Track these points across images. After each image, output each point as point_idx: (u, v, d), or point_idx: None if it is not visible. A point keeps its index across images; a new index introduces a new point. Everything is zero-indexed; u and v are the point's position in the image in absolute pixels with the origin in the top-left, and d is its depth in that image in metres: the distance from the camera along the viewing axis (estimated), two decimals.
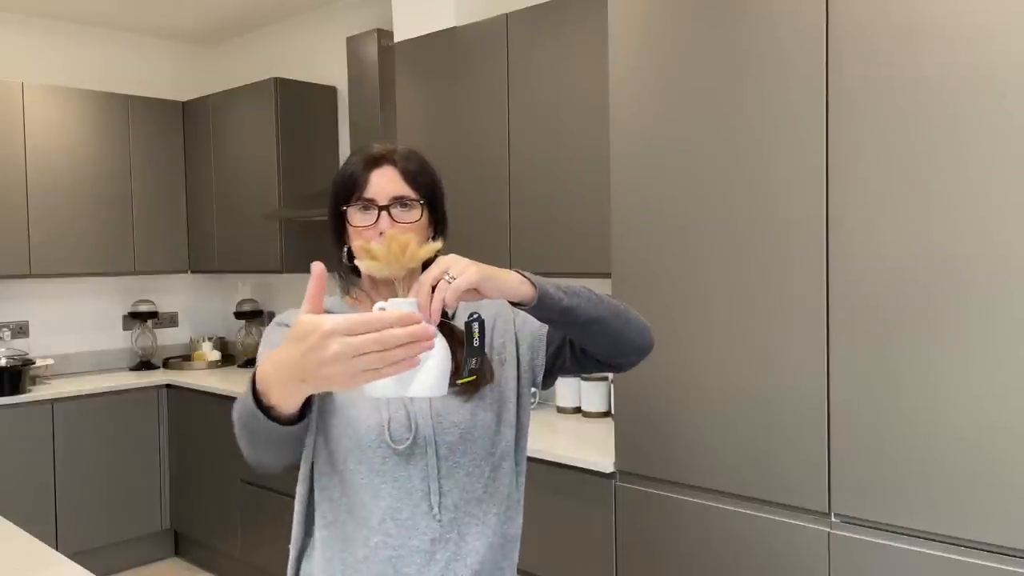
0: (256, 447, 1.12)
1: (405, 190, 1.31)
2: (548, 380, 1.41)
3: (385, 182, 1.31)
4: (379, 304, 1.01)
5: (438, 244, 1.16)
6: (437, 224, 1.38)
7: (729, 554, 2.07)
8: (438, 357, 1.02)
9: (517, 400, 1.36)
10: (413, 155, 1.35)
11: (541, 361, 1.38)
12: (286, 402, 1.00)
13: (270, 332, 1.34)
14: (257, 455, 1.15)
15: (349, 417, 1.26)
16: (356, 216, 1.30)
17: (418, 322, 0.89)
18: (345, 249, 1.35)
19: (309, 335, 0.88)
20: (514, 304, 1.15)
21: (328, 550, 1.29)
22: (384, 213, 1.29)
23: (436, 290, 1.03)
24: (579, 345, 1.33)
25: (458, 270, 1.05)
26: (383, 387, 0.98)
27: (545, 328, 1.37)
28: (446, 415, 1.29)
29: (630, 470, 2.29)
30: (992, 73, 1.64)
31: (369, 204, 1.30)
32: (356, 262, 1.18)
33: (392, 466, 1.26)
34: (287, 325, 1.30)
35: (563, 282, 1.21)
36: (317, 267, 0.98)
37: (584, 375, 3.12)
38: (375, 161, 1.32)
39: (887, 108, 1.78)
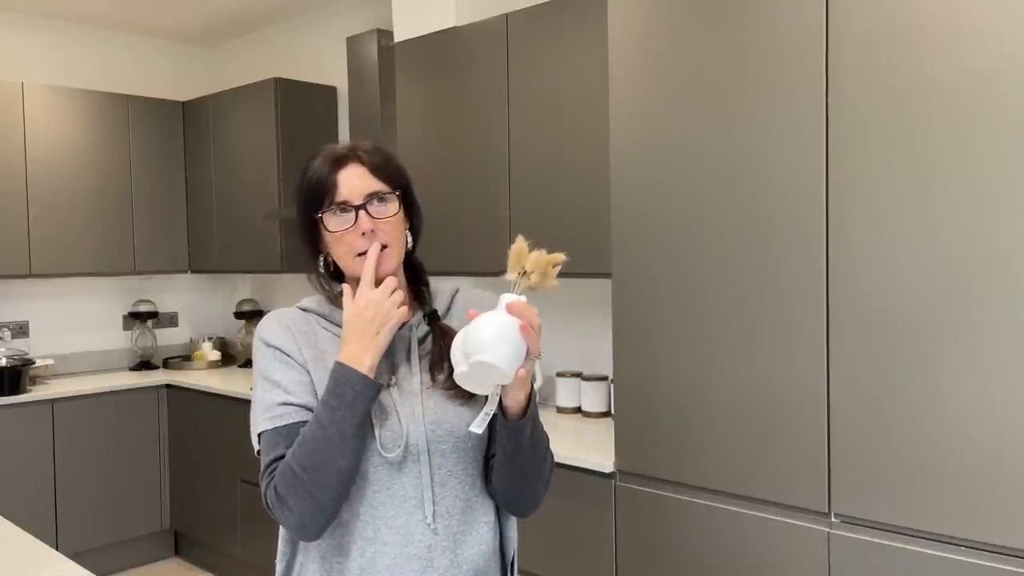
0: (331, 484, 1.18)
1: (377, 185, 1.27)
2: None
3: (356, 180, 1.27)
4: (504, 296, 1.21)
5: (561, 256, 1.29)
6: (412, 215, 1.35)
7: (729, 554, 2.07)
8: (514, 339, 1.16)
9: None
10: (377, 148, 1.31)
11: None
12: (374, 360, 1.21)
13: (259, 355, 1.30)
14: (324, 506, 1.19)
15: None
16: (333, 221, 1.26)
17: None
18: (321, 259, 1.32)
19: (367, 309, 1.21)
20: (502, 402, 1.24)
21: (324, 562, 1.27)
22: (362, 212, 1.25)
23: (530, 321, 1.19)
24: (493, 460, 1.33)
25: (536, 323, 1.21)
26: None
27: None
28: (440, 424, 1.27)
29: (630, 470, 2.29)
30: (994, 74, 1.64)
31: (344, 206, 1.26)
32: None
33: (384, 475, 1.25)
34: (276, 347, 1.28)
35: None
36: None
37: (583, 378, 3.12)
38: (340, 161, 1.28)
39: (888, 108, 1.78)
